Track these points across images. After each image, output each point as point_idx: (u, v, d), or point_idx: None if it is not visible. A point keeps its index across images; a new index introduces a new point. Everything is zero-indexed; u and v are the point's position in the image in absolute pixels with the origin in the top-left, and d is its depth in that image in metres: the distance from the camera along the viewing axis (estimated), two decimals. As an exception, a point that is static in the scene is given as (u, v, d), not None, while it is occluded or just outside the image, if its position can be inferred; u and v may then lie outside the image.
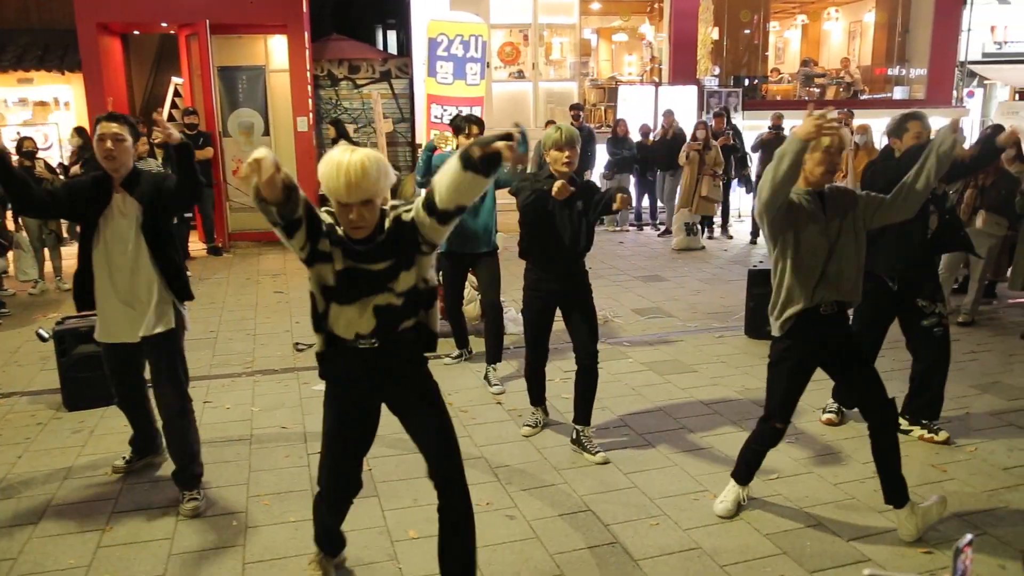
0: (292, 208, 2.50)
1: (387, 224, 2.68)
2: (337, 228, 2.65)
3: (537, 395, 4.64)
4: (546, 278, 4.32)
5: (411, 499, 3.82)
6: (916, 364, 4.48)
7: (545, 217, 4.19)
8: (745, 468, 3.65)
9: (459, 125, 5.50)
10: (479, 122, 5.50)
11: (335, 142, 9.70)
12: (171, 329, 3.70)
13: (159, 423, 3.91)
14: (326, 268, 2.65)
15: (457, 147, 5.41)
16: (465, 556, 2.90)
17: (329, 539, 3.18)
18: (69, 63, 11.07)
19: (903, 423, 4.40)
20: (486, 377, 5.41)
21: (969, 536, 1.41)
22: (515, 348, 6.10)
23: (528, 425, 4.63)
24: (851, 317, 3.93)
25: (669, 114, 11.58)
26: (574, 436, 4.36)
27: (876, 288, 4.17)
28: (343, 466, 2.95)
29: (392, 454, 4.22)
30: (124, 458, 4.16)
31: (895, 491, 3.43)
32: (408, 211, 2.68)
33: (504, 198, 5.39)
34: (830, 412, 4.68)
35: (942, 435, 4.40)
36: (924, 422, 4.47)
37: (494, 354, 5.46)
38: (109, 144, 3.53)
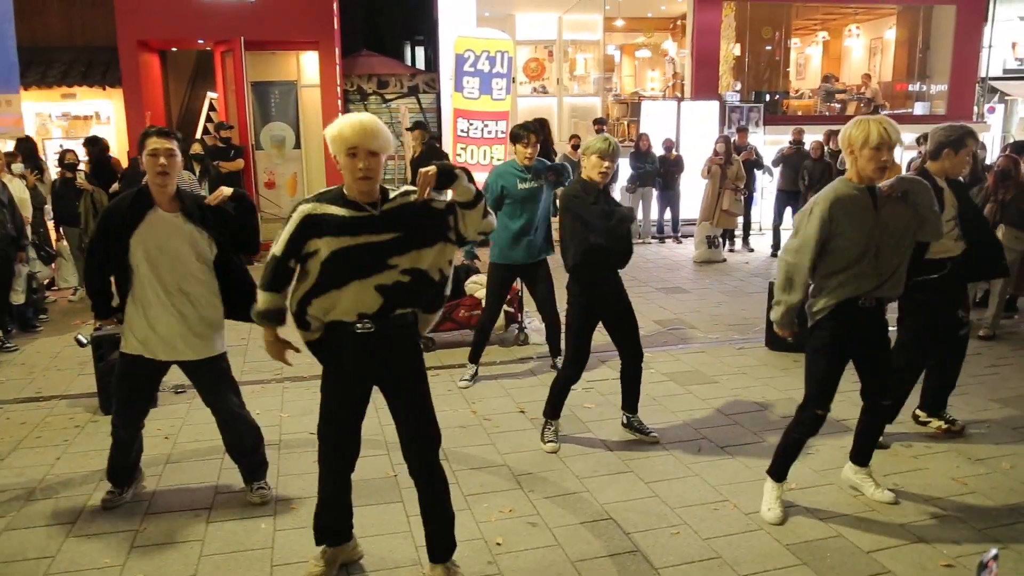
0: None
1: (391, 197, 2.87)
2: (330, 209, 2.80)
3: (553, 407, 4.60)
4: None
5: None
6: (940, 366, 4.61)
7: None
8: (782, 461, 3.70)
9: (516, 134, 5.45)
10: (537, 129, 5.45)
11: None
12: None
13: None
14: (314, 261, 2.82)
15: (515, 153, 5.52)
16: (444, 530, 3.14)
17: (333, 524, 3.23)
18: (110, 79, 11.28)
19: (921, 415, 4.73)
20: (555, 366, 5.69)
21: (994, 551, 1.39)
22: (537, 358, 6.11)
23: (551, 441, 4.51)
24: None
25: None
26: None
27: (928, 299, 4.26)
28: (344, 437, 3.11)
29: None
30: (111, 492, 3.87)
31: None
32: (440, 204, 2.89)
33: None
34: (935, 421, 4.67)
35: (959, 425, 4.63)
36: (942, 415, 4.64)
37: (557, 349, 5.74)
38: (163, 160, 3.46)
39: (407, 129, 10.62)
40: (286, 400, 5.32)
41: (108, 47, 11.14)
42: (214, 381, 3.76)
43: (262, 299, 2.96)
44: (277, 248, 2.85)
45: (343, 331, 2.89)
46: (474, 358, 5.70)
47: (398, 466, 4.18)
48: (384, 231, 2.81)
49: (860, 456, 3.88)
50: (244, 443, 3.86)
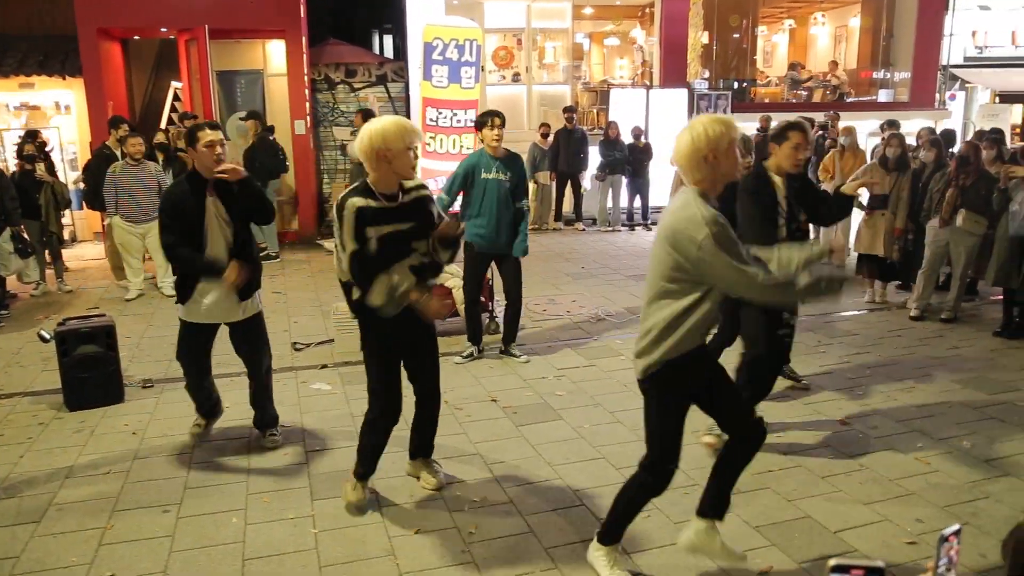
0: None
1: (407, 189, 3.45)
2: (368, 201, 3.32)
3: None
4: None
5: (407, 495, 3.82)
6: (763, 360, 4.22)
7: None
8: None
9: (481, 120, 5.61)
10: (499, 114, 5.58)
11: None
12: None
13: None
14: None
15: (482, 141, 5.63)
16: (434, 430, 3.90)
17: (373, 464, 3.74)
18: (70, 68, 11.03)
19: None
20: (508, 352, 5.84)
21: (956, 525, 1.42)
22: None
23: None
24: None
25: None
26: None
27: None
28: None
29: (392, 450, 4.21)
30: (199, 425, 4.56)
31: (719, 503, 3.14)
32: (428, 195, 3.54)
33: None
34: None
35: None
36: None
37: (512, 334, 5.90)
38: (219, 149, 3.95)
39: (240, 119, 10.53)
40: (256, 393, 5.27)
41: (67, 35, 10.88)
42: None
43: (375, 293, 3.32)
44: (349, 246, 3.29)
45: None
46: (471, 338, 5.92)
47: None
48: (405, 220, 3.39)
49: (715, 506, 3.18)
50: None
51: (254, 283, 4.24)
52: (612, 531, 3.12)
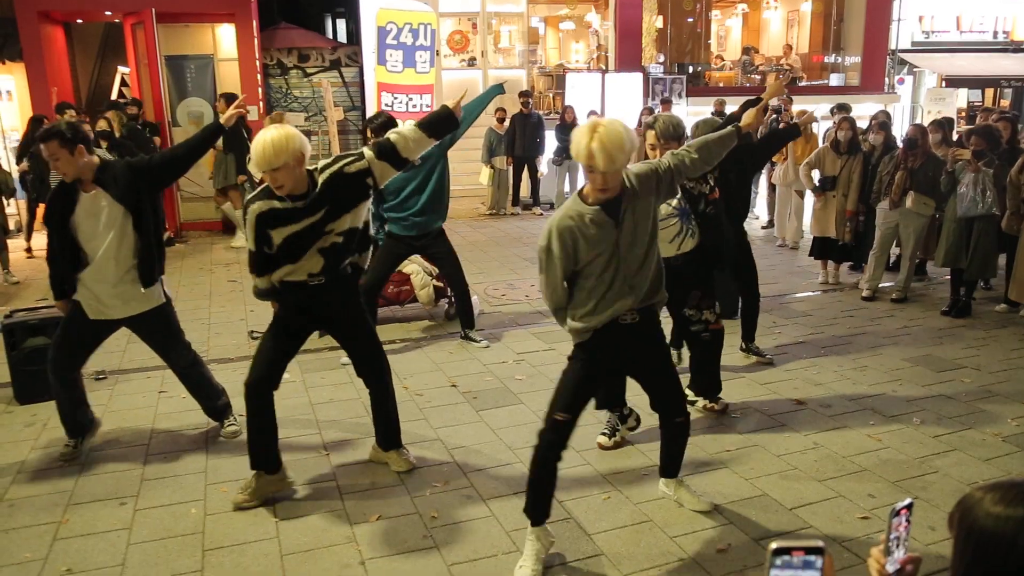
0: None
1: (318, 179, 3.34)
2: (272, 203, 3.31)
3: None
4: None
5: (368, 481, 3.82)
6: (693, 354, 4.63)
7: None
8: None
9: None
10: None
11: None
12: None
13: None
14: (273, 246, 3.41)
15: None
16: (391, 418, 3.90)
17: (268, 453, 3.63)
18: (10, 52, 10.70)
19: (690, 394, 4.52)
20: (468, 337, 5.85)
21: (907, 500, 1.46)
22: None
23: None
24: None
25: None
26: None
27: None
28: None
29: (351, 437, 4.20)
30: (69, 446, 4.13)
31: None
32: (351, 163, 3.38)
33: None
34: (700, 400, 4.62)
35: (720, 404, 4.58)
36: (710, 396, 4.61)
37: (469, 321, 5.91)
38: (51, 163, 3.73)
39: (97, 111, 10.29)
40: (212, 383, 5.20)
41: (6, 18, 10.53)
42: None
43: (257, 282, 3.55)
44: (250, 244, 3.41)
45: (299, 286, 3.48)
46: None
47: (329, 444, 4.16)
48: (316, 211, 3.32)
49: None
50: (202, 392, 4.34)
51: (157, 267, 3.99)
52: (531, 508, 3.12)
